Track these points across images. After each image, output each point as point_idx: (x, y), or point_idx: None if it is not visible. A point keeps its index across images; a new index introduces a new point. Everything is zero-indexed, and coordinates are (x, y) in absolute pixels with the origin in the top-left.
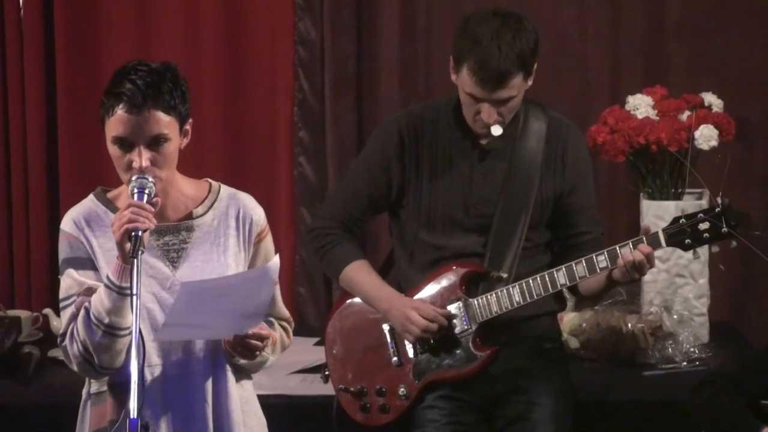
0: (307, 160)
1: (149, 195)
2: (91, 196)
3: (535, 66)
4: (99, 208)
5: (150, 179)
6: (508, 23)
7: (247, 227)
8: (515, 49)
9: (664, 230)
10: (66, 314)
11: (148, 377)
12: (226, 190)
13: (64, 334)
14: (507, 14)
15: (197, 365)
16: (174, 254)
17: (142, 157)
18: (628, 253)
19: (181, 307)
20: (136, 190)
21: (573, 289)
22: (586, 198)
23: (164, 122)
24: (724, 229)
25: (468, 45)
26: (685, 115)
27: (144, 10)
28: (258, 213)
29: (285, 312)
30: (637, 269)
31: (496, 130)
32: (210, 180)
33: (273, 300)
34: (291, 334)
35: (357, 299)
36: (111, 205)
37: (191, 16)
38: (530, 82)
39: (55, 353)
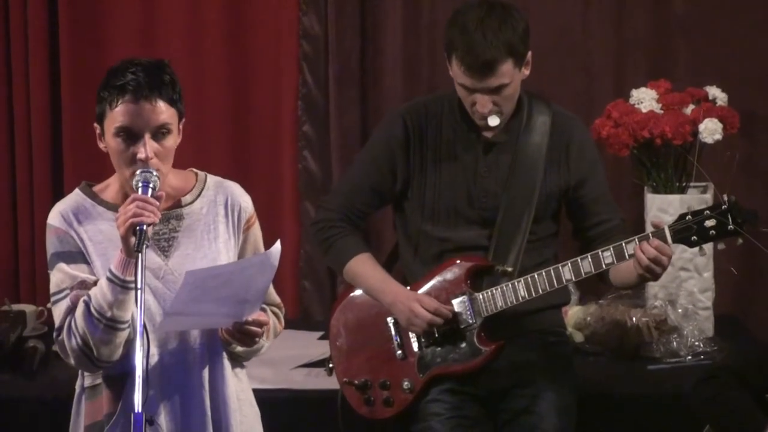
0: (311, 154)
1: (154, 189)
2: (76, 191)
3: (529, 54)
4: (86, 202)
5: (154, 173)
6: (493, 11)
7: (236, 214)
8: (501, 36)
9: (670, 227)
10: (60, 308)
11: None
12: (212, 178)
13: (60, 328)
14: (494, 3)
15: (194, 354)
16: (165, 243)
17: (147, 147)
18: (641, 255)
19: (185, 295)
20: (140, 184)
21: (604, 280)
22: (598, 187)
23: (168, 113)
24: (731, 227)
25: (454, 36)
26: (689, 109)
27: (148, 4)
28: (246, 200)
29: (276, 298)
30: (657, 264)
31: (493, 121)
32: (195, 170)
33: None
34: (282, 320)
35: (361, 292)
36: (97, 198)
37: (196, 11)
38: (526, 71)
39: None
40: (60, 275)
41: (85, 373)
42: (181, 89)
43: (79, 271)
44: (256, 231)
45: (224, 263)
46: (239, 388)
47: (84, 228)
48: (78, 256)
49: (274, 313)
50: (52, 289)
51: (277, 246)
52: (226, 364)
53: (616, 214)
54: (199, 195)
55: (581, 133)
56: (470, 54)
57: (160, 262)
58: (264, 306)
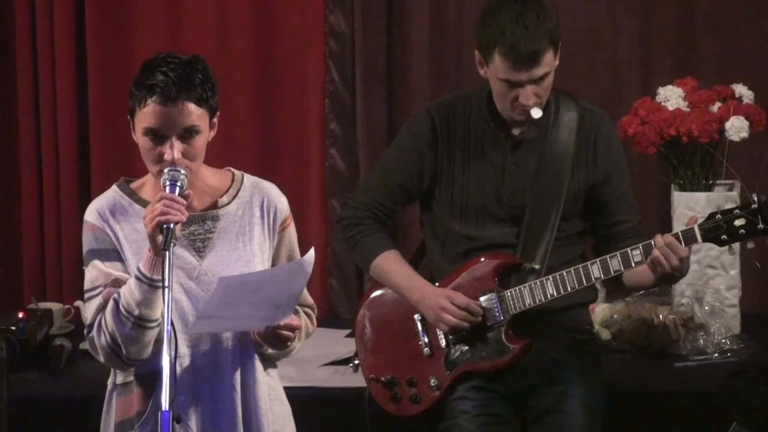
0: (338, 152)
1: (181, 187)
2: (114, 187)
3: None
4: (123, 199)
5: (182, 171)
6: (528, 3)
7: (271, 216)
8: (542, 27)
9: (699, 226)
10: (92, 305)
11: (177, 368)
12: (249, 179)
13: (90, 325)
14: None
15: (225, 355)
16: (200, 244)
17: (174, 149)
18: (656, 253)
19: (217, 301)
20: (168, 183)
21: (618, 281)
22: (621, 186)
23: (196, 114)
24: (760, 226)
25: (494, 33)
26: (716, 107)
27: (174, 4)
28: (282, 201)
29: (309, 299)
30: (666, 259)
31: (536, 113)
32: (232, 169)
33: None
34: (315, 320)
35: (388, 289)
36: (135, 196)
37: (222, 8)
38: (557, 61)
39: (87, 345)
40: (94, 272)
41: (117, 370)
42: (215, 84)
43: (113, 269)
44: (291, 232)
45: (258, 270)
46: (271, 387)
47: (120, 226)
48: (112, 253)
49: (307, 314)
50: (86, 285)
51: (311, 253)
52: (258, 365)
53: (635, 215)
54: (235, 196)
55: (608, 129)
56: (515, 48)
57: (195, 263)
58: (296, 307)
